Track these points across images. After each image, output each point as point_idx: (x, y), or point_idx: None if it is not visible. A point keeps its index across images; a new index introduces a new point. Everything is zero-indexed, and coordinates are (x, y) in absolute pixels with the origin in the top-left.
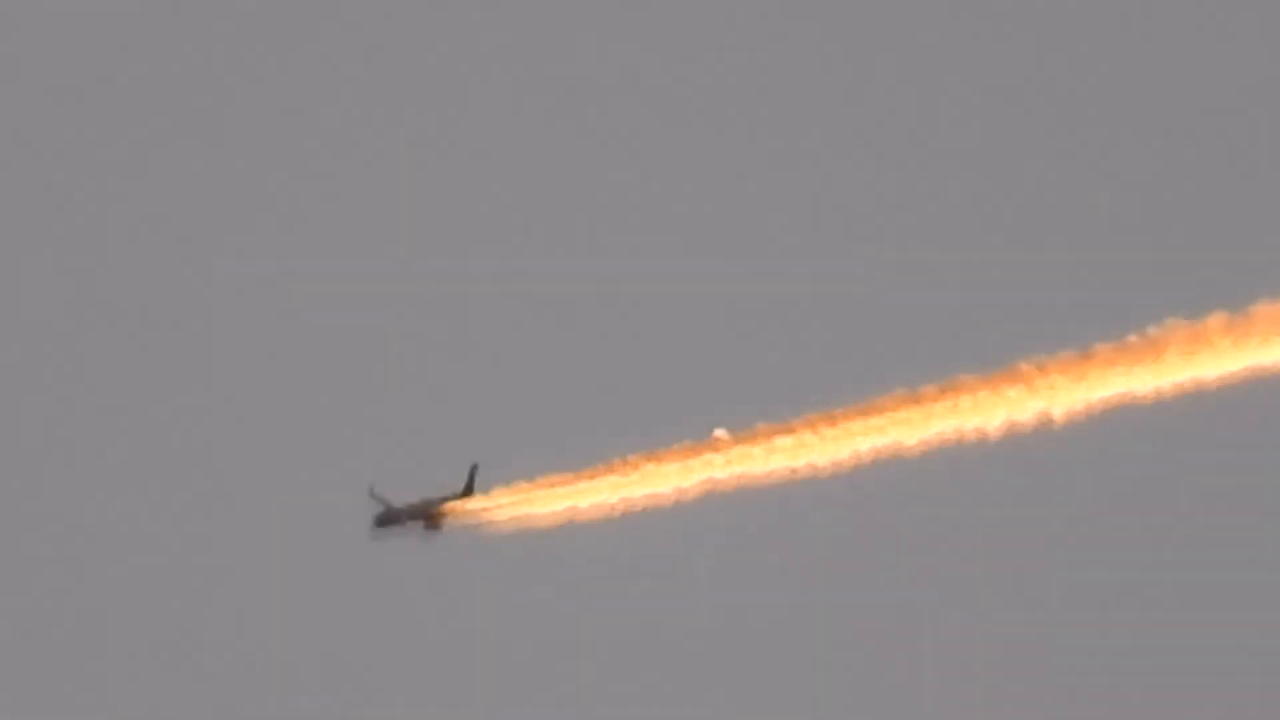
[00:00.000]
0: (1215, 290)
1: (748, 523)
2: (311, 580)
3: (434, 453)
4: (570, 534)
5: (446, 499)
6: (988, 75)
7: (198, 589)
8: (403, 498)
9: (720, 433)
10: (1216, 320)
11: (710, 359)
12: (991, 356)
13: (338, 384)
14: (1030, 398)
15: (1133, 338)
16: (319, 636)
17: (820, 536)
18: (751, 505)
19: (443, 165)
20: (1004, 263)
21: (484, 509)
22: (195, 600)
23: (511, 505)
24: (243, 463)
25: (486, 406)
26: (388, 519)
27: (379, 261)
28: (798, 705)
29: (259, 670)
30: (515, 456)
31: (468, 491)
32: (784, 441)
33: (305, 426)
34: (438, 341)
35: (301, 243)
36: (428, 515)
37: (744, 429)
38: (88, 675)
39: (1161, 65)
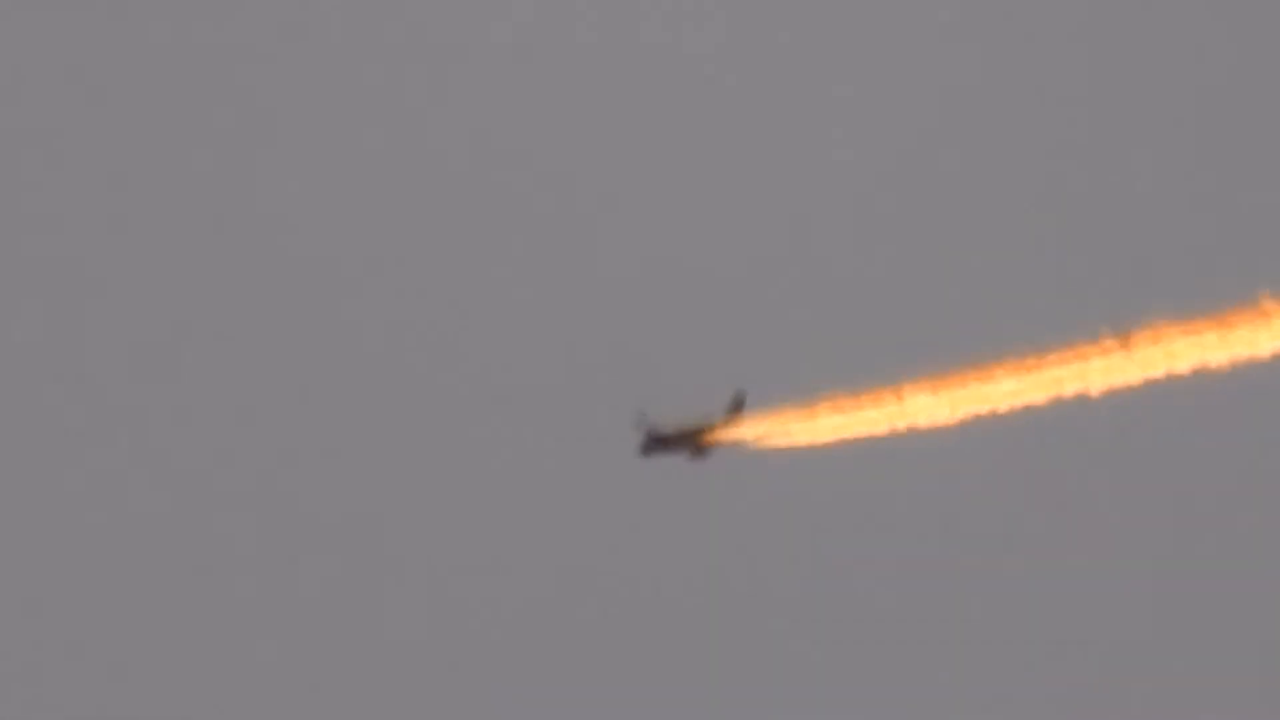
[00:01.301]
0: None
1: (1022, 452)
2: (585, 499)
3: (700, 378)
4: (840, 458)
5: (712, 424)
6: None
7: (475, 501)
8: (668, 423)
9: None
10: None
11: (991, 278)
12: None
13: (605, 308)
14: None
15: None
16: (588, 557)
17: (1100, 467)
18: (1033, 435)
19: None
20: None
21: (751, 435)
22: (473, 511)
23: (779, 430)
24: (516, 388)
25: (753, 329)
26: (654, 444)
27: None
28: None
29: (534, 582)
30: (781, 382)
31: (734, 416)
32: (1064, 370)
33: (573, 352)
34: (702, 265)
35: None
36: (694, 440)
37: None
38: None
39: None
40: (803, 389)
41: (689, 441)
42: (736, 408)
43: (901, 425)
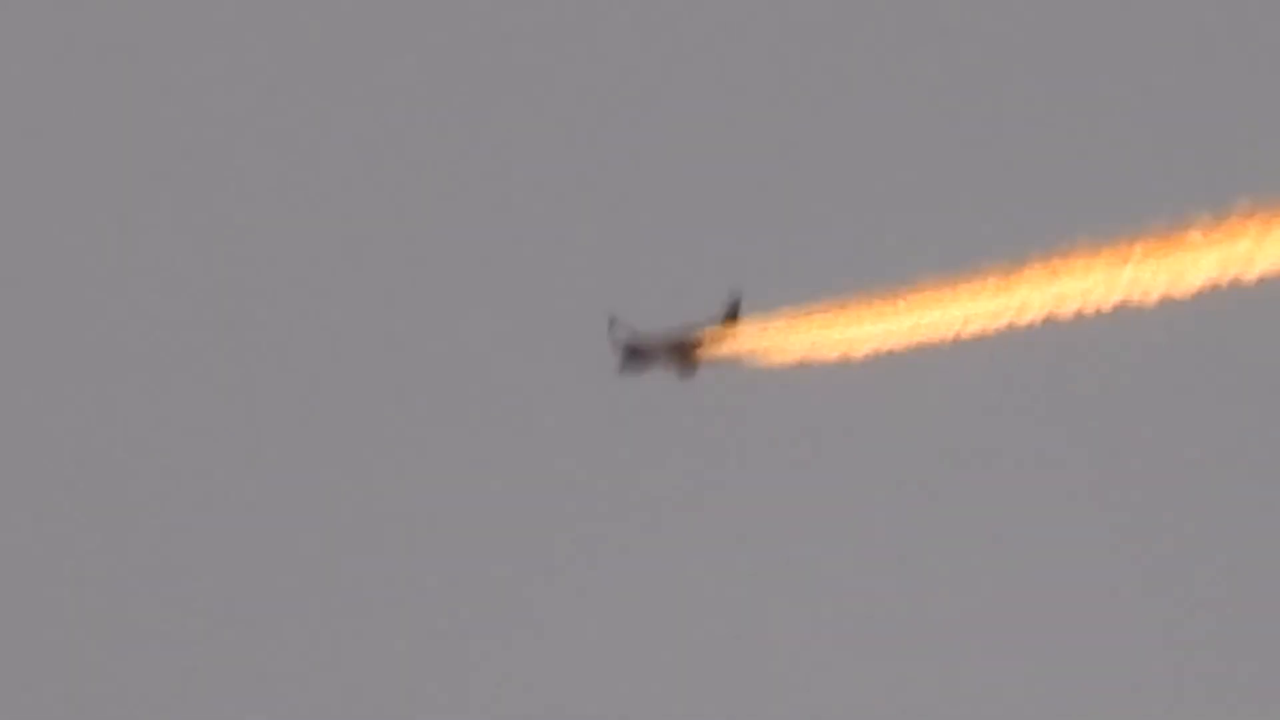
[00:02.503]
0: None
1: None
2: (552, 422)
3: (687, 277)
4: (850, 373)
5: (704, 329)
6: None
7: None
8: (650, 333)
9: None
10: None
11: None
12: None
13: (572, 196)
14: None
15: None
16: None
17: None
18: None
19: None
20: None
21: (748, 342)
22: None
23: (780, 337)
24: (474, 286)
25: (748, 218)
26: (636, 353)
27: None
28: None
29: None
30: (783, 280)
31: (730, 321)
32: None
33: (539, 244)
34: (687, 139)
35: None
36: (682, 349)
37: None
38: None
39: None
40: (803, 290)
41: (676, 354)
42: (733, 313)
43: (930, 333)
